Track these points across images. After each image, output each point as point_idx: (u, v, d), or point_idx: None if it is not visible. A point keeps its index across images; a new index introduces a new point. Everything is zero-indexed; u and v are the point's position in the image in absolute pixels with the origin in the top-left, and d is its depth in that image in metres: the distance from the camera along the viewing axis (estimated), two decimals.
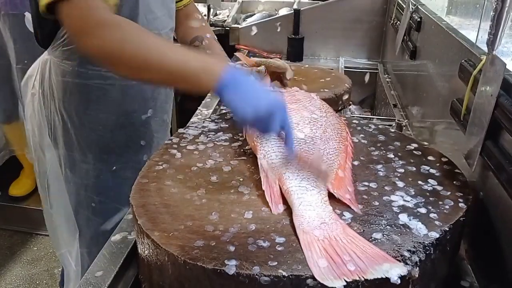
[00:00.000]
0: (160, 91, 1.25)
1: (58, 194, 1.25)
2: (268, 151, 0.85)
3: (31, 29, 1.15)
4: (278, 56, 2.23)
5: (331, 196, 0.76)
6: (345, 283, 0.58)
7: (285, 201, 0.76)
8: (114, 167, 1.18)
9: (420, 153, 0.94)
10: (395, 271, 0.60)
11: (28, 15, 1.61)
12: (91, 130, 1.15)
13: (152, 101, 1.22)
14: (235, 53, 1.20)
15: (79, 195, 1.21)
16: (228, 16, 2.59)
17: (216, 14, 2.73)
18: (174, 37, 1.27)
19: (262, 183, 0.79)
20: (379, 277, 0.59)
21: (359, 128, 1.07)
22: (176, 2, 1.27)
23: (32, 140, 1.25)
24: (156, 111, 1.24)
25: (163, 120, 1.29)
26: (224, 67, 0.80)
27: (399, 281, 0.59)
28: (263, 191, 0.78)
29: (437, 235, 0.68)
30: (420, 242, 0.66)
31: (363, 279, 0.59)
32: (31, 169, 2.39)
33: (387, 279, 0.59)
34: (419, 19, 1.49)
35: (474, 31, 1.20)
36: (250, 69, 1.11)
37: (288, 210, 0.74)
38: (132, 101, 1.16)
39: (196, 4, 1.38)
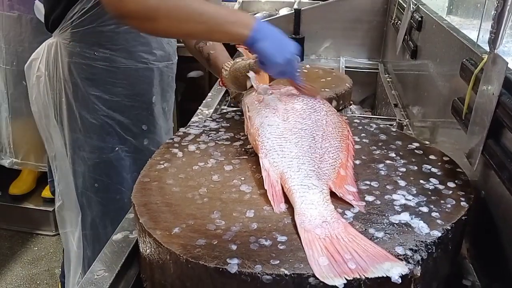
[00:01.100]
0: (163, 78, 1.26)
1: (64, 175, 1.28)
2: (270, 149, 0.85)
3: (39, 16, 1.17)
4: None
5: (333, 194, 0.76)
6: (345, 281, 0.59)
7: (287, 200, 0.76)
8: (117, 148, 1.21)
9: (422, 152, 0.94)
10: (396, 270, 0.60)
11: (37, 3, 1.62)
12: (95, 111, 1.17)
13: (156, 87, 1.24)
14: (237, 48, 1.20)
15: (83, 175, 1.24)
16: None
17: None
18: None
19: (264, 182, 0.79)
20: (380, 275, 0.59)
21: (360, 127, 1.07)
22: None
23: (39, 123, 1.28)
24: (159, 98, 1.26)
25: (163, 108, 1.31)
26: (255, 20, 0.91)
27: (400, 280, 0.59)
28: (265, 190, 0.78)
29: (439, 234, 0.68)
30: (422, 241, 0.66)
31: (363, 277, 0.59)
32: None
33: (389, 277, 0.59)
34: (420, 19, 1.49)
35: (475, 31, 1.20)
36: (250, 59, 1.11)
37: (290, 208, 0.74)
38: (136, 85, 1.19)
39: None
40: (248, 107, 1.01)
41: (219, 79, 1.23)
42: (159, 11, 0.87)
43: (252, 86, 1.09)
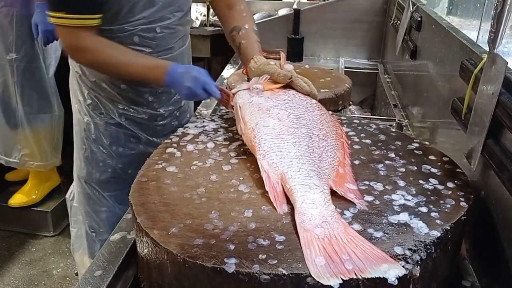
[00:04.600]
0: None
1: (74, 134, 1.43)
2: (268, 151, 0.85)
3: None
4: (277, 57, 2.22)
5: (332, 193, 0.76)
6: (341, 281, 0.58)
7: (288, 200, 0.75)
8: (98, 119, 1.31)
9: (421, 152, 0.94)
10: (393, 271, 0.60)
11: None
12: (88, 80, 1.28)
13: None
14: (280, 51, 1.21)
15: (77, 137, 1.37)
16: None
17: (215, 15, 2.73)
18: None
19: (265, 183, 0.78)
20: (377, 277, 0.59)
21: (360, 128, 1.06)
22: None
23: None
24: (131, 83, 1.26)
25: (141, 96, 1.29)
26: (166, 73, 1.11)
27: (396, 282, 0.59)
28: (263, 189, 0.78)
29: (438, 234, 0.67)
30: (421, 241, 0.65)
31: (360, 277, 0.59)
32: None
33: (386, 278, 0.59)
34: (419, 19, 1.49)
35: (474, 31, 1.20)
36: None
37: (289, 209, 0.74)
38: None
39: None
40: (240, 107, 1.01)
41: (244, 67, 1.26)
42: (96, 70, 1.21)
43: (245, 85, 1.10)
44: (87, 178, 1.37)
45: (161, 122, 1.35)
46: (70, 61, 1.33)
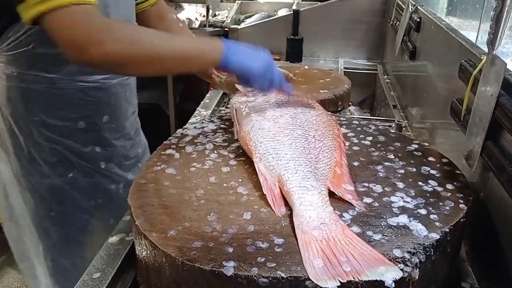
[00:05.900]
0: (119, 96, 1.17)
1: (16, 205, 1.18)
2: (264, 153, 0.85)
3: None
4: (277, 57, 2.22)
5: (330, 195, 0.76)
6: (339, 284, 0.58)
7: (286, 203, 0.75)
8: (70, 174, 1.13)
9: (421, 153, 0.93)
10: (390, 274, 0.59)
11: None
12: (40, 136, 1.08)
13: (107, 107, 1.14)
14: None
15: (36, 205, 1.15)
16: (227, 17, 2.59)
17: (215, 15, 2.74)
18: None
19: (262, 186, 0.78)
20: (374, 279, 0.59)
21: (359, 128, 1.06)
22: (141, 2, 1.20)
23: None
24: (113, 117, 1.16)
25: (124, 127, 1.21)
26: (222, 41, 0.91)
27: (393, 285, 0.59)
28: (262, 192, 0.77)
29: (438, 237, 0.67)
30: (420, 244, 0.65)
31: (357, 280, 0.58)
32: None
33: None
34: (418, 20, 1.49)
35: (473, 32, 1.20)
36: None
37: (288, 211, 0.73)
38: (83, 107, 1.10)
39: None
40: (236, 111, 1.01)
41: (210, 84, 1.20)
42: (128, 58, 0.84)
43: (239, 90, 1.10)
44: (62, 247, 1.16)
45: (134, 153, 1.26)
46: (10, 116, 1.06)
